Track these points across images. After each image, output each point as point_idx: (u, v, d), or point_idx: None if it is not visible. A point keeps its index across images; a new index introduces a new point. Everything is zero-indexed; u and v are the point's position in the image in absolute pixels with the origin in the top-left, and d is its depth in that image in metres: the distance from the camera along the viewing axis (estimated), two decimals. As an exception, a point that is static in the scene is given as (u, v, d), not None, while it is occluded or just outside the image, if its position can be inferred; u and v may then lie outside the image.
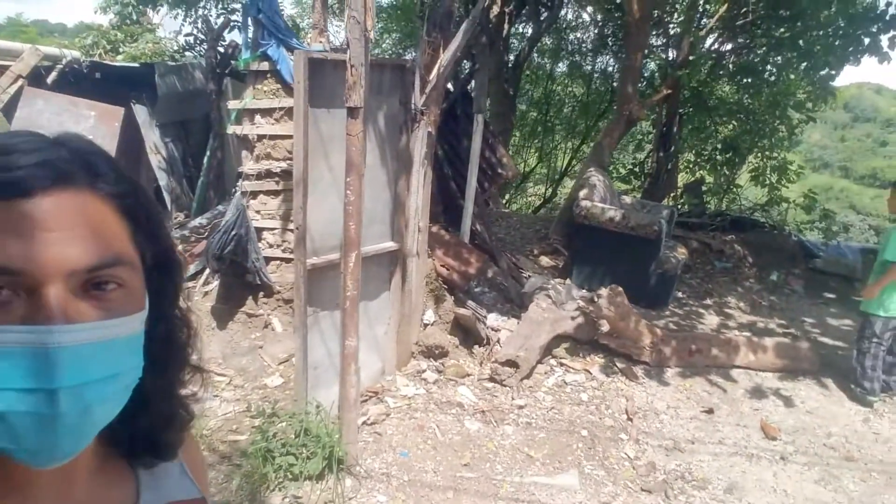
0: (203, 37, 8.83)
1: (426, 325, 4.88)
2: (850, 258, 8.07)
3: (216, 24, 7.82)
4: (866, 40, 6.49)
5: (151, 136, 6.82)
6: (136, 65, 7.56)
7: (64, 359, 0.55)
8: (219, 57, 6.68)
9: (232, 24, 7.54)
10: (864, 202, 41.35)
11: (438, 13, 4.15)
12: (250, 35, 4.39)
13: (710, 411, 4.50)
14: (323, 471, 3.34)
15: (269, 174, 4.57)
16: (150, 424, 0.73)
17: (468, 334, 5.04)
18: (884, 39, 6.40)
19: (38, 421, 0.55)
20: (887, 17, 6.36)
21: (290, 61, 4.32)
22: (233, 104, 4.64)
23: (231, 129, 4.63)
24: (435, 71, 4.05)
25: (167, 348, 0.71)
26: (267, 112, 4.50)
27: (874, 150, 60.64)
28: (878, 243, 5.02)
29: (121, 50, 8.91)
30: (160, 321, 0.69)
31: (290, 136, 4.44)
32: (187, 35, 9.39)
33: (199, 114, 7.21)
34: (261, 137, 4.53)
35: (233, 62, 6.17)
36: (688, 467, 3.85)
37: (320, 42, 4.38)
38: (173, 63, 7.84)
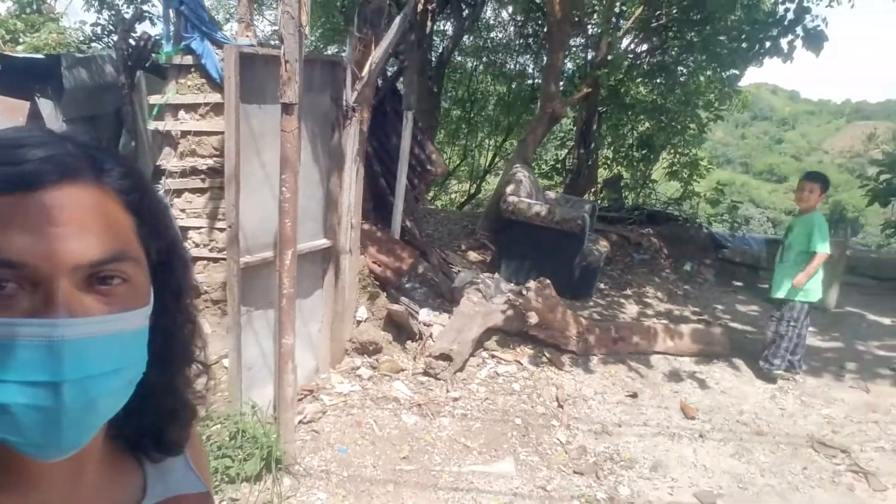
0: (112, 27, 8.43)
1: (359, 322, 4.88)
2: (754, 248, 8.64)
3: (127, 13, 7.49)
4: (768, 43, 6.97)
5: (59, 132, 6.46)
6: (39, 56, 7.12)
7: (68, 352, 0.55)
8: (131, 49, 6.40)
9: (144, 14, 7.24)
10: (763, 196, 44.26)
11: (369, 9, 4.15)
12: (172, 27, 4.23)
13: (634, 395, 4.72)
14: (261, 472, 3.29)
15: (194, 171, 4.43)
16: (155, 420, 0.73)
17: (401, 330, 5.08)
18: (783, 42, 6.90)
19: (43, 414, 0.55)
20: (786, 22, 6.85)
21: (216, 55, 4.20)
22: (154, 99, 4.46)
23: (153, 124, 4.45)
24: (367, 68, 4.05)
25: (171, 344, 0.71)
26: (191, 107, 4.35)
27: (771, 147, 64.89)
28: (779, 234, 5.40)
29: (21, 40, 8.37)
30: (165, 317, 0.69)
31: (216, 133, 4.32)
32: (94, 25, 8.96)
33: (110, 108, 6.86)
34: (185, 134, 4.38)
35: (153, 55, 5.92)
36: (616, 449, 4.04)
37: (247, 36, 4.28)
38: (81, 55, 7.43)
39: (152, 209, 0.66)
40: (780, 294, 5.06)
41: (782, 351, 5.00)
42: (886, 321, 6.77)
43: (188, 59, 4.28)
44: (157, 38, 6.57)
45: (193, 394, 0.78)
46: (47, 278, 0.56)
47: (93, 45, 8.92)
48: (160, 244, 0.67)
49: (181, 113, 4.39)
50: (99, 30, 8.73)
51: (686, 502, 3.56)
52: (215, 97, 4.27)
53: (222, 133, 3.93)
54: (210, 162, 4.41)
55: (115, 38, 7.20)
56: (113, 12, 8.29)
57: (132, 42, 6.51)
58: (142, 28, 7.01)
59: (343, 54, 4.16)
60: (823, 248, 4.79)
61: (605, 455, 3.97)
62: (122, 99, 6.46)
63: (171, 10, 4.20)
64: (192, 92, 4.36)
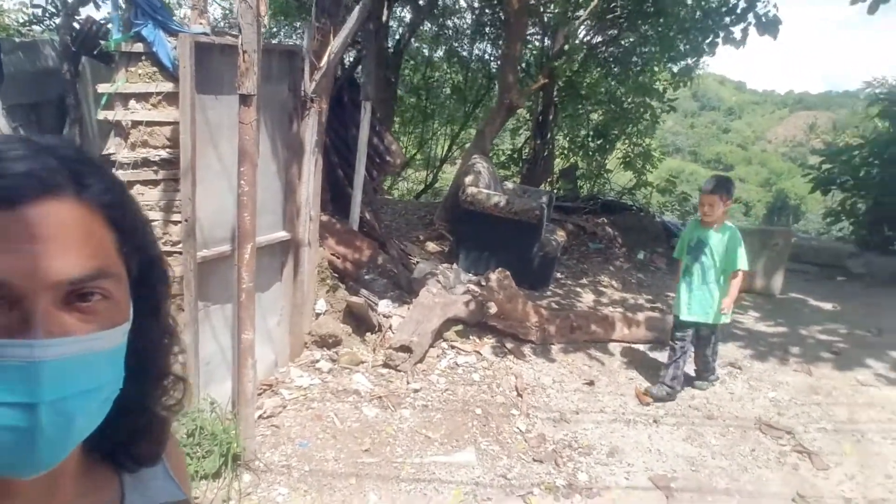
0: (54, 10, 8.09)
1: (318, 315, 4.84)
2: (704, 237, 8.85)
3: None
4: (721, 33, 7.18)
5: (-3, 120, 6.19)
6: (-23, 39, 6.79)
7: (46, 373, 0.54)
8: (75, 34, 6.15)
9: (89, -3, 6.95)
10: (711, 184, 45.42)
11: (326, -1, 4.09)
12: (122, 13, 4.09)
13: (591, 383, 4.82)
14: (220, 468, 3.26)
15: (146, 163, 4.30)
16: (129, 434, 0.72)
17: (360, 322, 5.06)
18: (736, 31, 7.11)
19: (18, 435, 0.55)
20: (738, 11, 7.06)
21: (168, 43, 4.08)
22: (103, 87, 4.30)
23: (102, 114, 4.30)
24: (325, 58, 4.00)
25: (148, 359, 0.71)
26: (142, 97, 4.22)
27: (718, 136, 66.83)
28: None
29: (-45, 22, 7.98)
30: (142, 331, 0.68)
31: (169, 123, 4.20)
32: (34, 6, 8.56)
33: (53, 96, 6.61)
34: (136, 124, 4.24)
35: (101, 42, 5.70)
36: (574, 436, 4.12)
37: (200, 24, 4.17)
38: (21, 39, 7.12)
39: (134, 224, 0.65)
40: (710, 319, 4.57)
41: (715, 364, 4.94)
42: (827, 306, 7.05)
43: (138, 47, 4.14)
44: (103, 22, 6.34)
45: (168, 406, 0.77)
46: (25, 297, 0.55)
47: (34, 27, 8.56)
48: (141, 259, 0.66)
49: (132, 102, 4.25)
50: (40, 12, 8.36)
51: (642, 486, 3.66)
52: (168, 86, 4.15)
53: (176, 123, 3.83)
54: (163, 153, 4.29)
55: (58, 21, 6.90)
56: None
57: (76, 26, 6.26)
58: (86, 11, 6.72)
59: (301, 42, 4.09)
60: (746, 266, 4.48)
61: (564, 442, 4.05)
62: (65, 86, 6.22)
63: (119, -4, 4.06)
64: (143, 81, 4.22)
